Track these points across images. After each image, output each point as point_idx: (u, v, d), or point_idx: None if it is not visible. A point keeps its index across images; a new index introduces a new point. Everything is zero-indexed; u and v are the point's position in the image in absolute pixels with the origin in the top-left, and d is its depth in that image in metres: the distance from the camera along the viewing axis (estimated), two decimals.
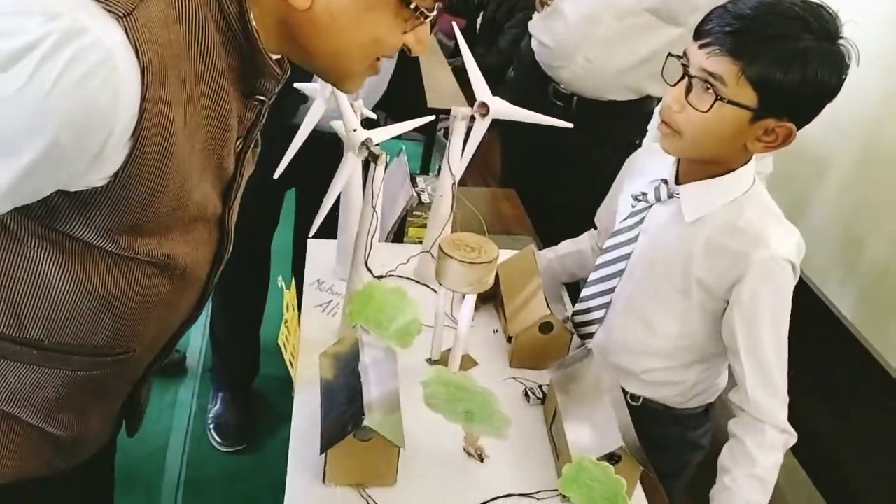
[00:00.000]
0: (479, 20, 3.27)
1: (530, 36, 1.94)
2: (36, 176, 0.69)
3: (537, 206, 1.91)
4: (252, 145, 0.93)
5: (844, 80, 1.01)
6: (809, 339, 1.39)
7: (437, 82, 2.62)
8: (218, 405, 2.19)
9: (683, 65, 1.07)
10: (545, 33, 1.87)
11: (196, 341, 2.44)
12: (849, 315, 1.98)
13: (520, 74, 2.05)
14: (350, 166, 1.16)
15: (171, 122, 0.74)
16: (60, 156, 0.68)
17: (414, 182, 1.61)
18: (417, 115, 1.32)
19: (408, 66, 1.81)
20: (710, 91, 1.03)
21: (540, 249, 1.70)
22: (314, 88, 1.25)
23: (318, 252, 1.52)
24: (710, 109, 1.04)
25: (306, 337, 1.30)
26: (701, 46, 1.04)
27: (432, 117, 1.27)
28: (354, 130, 1.13)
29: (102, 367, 0.92)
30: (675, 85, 1.08)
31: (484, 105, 1.32)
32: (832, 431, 1.54)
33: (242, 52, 0.78)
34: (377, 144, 1.14)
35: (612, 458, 1.03)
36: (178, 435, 2.16)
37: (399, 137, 1.28)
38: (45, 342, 0.86)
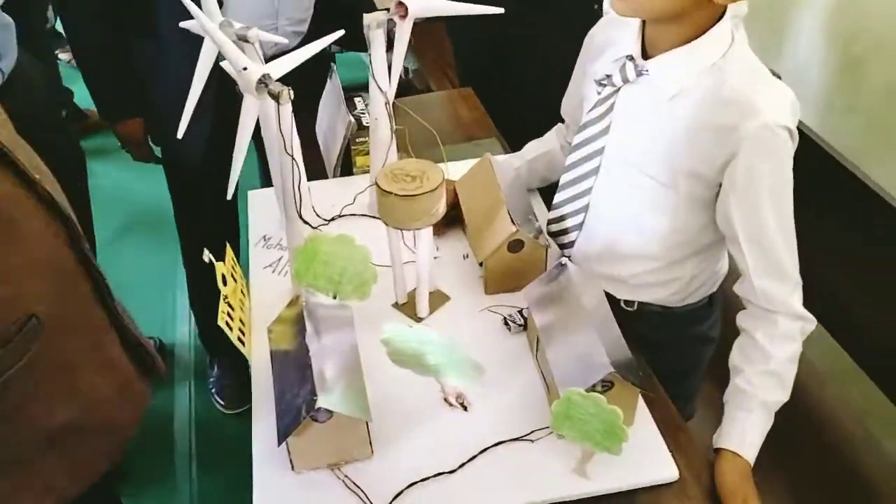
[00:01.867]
0: None
1: None
2: None
3: (498, 103, 1.73)
4: None
5: None
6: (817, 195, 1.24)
7: None
8: (216, 369, 2.12)
9: None
10: None
11: (183, 306, 2.35)
12: (854, 146, 1.82)
13: None
14: (252, 110, 0.99)
15: None
16: None
17: (352, 104, 1.44)
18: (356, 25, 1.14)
19: None
20: None
21: (506, 152, 1.54)
22: (204, 20, 1.06)
23: (261, 203, 1.38)
24: None
25: (258, 303, 1.18)
26: None
27: (340, 33, 1.08)
28: (245, 69, 0.95)
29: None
30: None
31: (401, 5, 1.13)
32: (847, 285, 1.40)
33: None
34: (278, 80, 0.97)
35: (604, 385, 0.91)
36: (181, 407, 2.11)
37: (331, 50, 1.09)
38: None
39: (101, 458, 0.97)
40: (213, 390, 2.10)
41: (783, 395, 0.96)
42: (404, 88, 2.28)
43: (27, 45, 1.49)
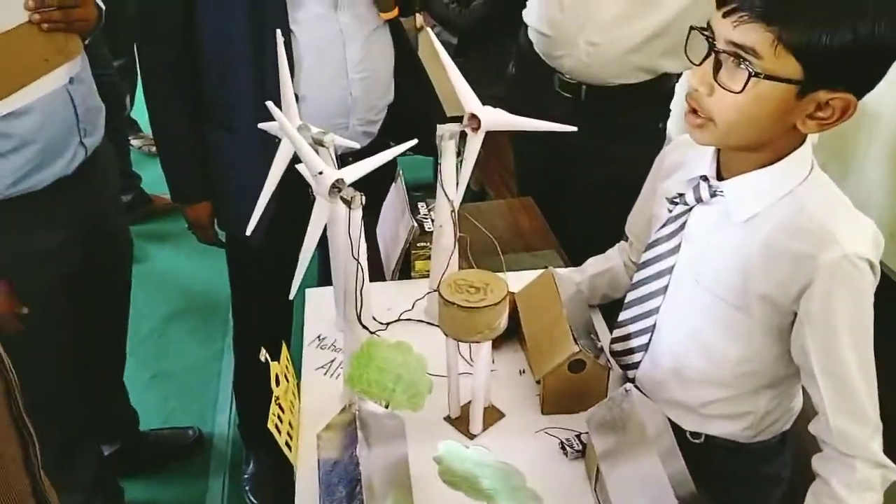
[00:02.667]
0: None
1: (526, 27, 1.76)
2: None
3: (558, 215, 1.73)
4: None
5: None
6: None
7: (449, 87, 2.43)
8: (252, 465, 2.07)
9: (708, 38, 0.88)
10: (542, 21, 1.69)
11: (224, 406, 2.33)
12: None
13: (521, 68, 1.87)
14: (322, 214, 1.00)
15: None
16: None
17: (415, 210, 1.45)
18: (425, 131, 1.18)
19: (406, 73, 1.64)
20: (743, 66, 0.85)
21: (567, 265, 1.52)
22: (284, 122, 1.09)
23: (318, 302, 1.37)
24: (744, 89, 0.85)
25: (308, 406, 1.15)
26: (726, 14, 0.85)
27: (414, 142, 1.10)
28: (321, 173, 0.97)
29: None
30: (700, 64, 0.90)
31: (474, 117, 1.15)
32: None
33: None
34: (350, 185, 0.98)
35: None
36: (213, 500, 2.05)
37: (404, 154, 1.11)
38: None
39: None
40: (248, 487, 2.04)
41: None
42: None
43: (105, 130, 1.56)
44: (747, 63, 0.85)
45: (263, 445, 2.05)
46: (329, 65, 1.47)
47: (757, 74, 0.84)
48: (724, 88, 0.87)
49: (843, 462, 0.91)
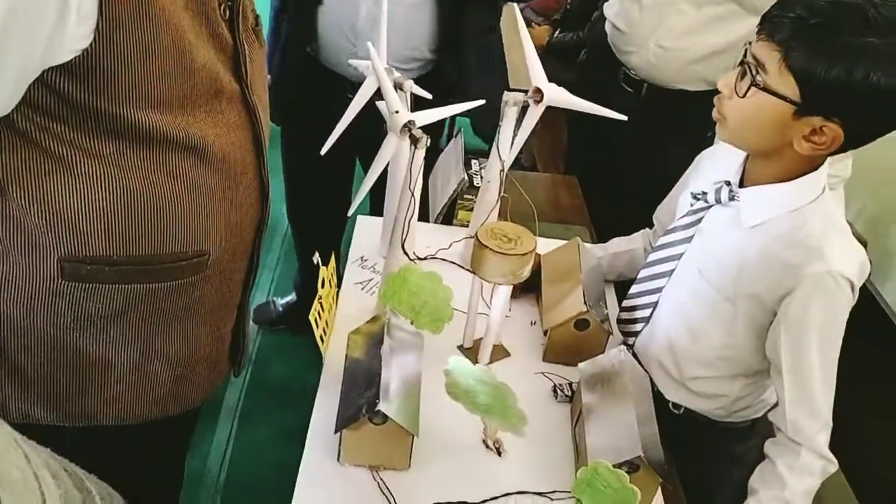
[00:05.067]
0: None
1: (604, 19, 1.87)
2: (11, 43, 0.68)
3: (600, 196, 1.85)
4: (247, 18, 0.93)
5: None
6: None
7: (519, 60, 2.56)
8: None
9: (745, 50, 1.01)
10: (619, 17, 1.80)
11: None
12: None
13: (591, 57, 1.99)
14: (392, 147, 1.15)
15: None
16: (25, 10, 0.68)
17: (469, 164, 1.59)
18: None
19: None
20: (750, 76, 0.98)
21: (594, 242, 1.65)
22: (366, 65, 1.24)
23: (366, 229, 1.52)
24: (745, 95, 0.99)
25: (342, 313, 1.31)
26: (757, 32, 0.99)
27: (480, 101, 1.24)
28: (397, 112, 1.11)
29: (183, 274, 0.95)
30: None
31: (538, 91, 1.28)
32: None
33: None
34: (420, 127, 1.13)
35: (631, 466, 0.99)
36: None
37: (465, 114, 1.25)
38: (115, 257, 0.89)
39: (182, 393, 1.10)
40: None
41: None
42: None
43: None
44: (755, 74, 0.97)
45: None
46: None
47: (757, 85, 0.97)
48: (735, 93, 1.00)
49: (791, 448, 1.05)
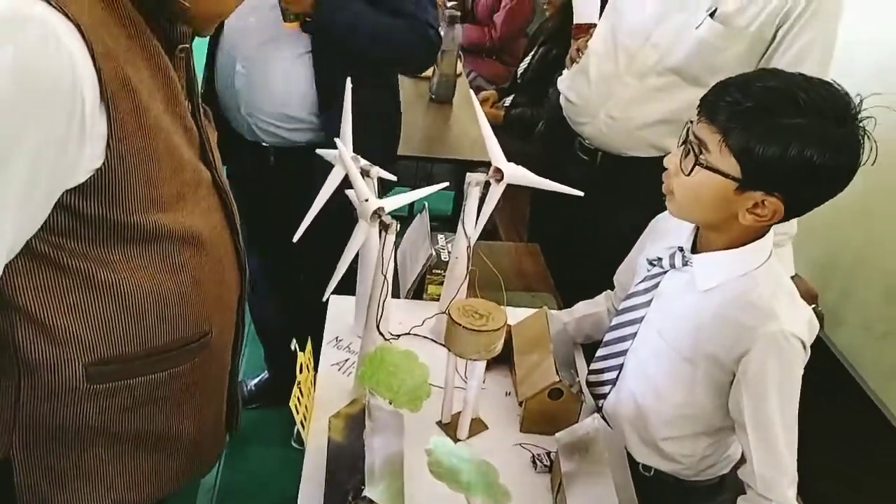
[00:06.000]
0: (520, 68, 3.30)
1: (558, 93, 1.97)
2: (41, 177, 0.75)
3: (563, 262, 1.91)
4: (200, 106, 1.00)
5: (854, 165, 0.99)
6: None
7: (469, 132, 2.65)
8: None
9: (687, 132, 1.08)
10: (571, 90, 1.89)
11: None
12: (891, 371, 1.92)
13: (549, 128, 2.08)
14: (362, 233, 1.19)
15: (129, 78, 0.80)
16: (51, 140, 0.74)
17: (435, 240, 1.64)
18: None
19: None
20: (693, 155, 1.06)
21: (560, 307, 1.71)
22: (334, 155, 1.29)
23: (339, 309, 1.55)
24: (690, 173, 1.06)
25: (320, 396, 1.33)
26: (697, 114, 1.06)
27: (445, 184, 1.30)
28: (366, 200, 1.16)
29: (194, 355, 1.03)
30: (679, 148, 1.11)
31: (498, 171, 1.35)
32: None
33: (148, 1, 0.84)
34: (388, 213, 1.17)
35: None
36: None
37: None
38: (139, 352, 0.97)
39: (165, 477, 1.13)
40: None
41: None
42: None
43: None
44: (698, 153, 1.05)
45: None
46: (227, 50, 1.73)
47: (701, 164, 1.04)
48: (681, 171, 1.07)
49: (762, 503, 1.09)
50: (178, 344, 1.01)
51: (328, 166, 1.29)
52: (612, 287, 1.49)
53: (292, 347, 1.19)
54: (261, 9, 1.67)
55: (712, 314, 1.13)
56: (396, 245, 1.74)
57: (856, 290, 2.16)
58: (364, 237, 1.19)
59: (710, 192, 1.06)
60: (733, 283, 1.12)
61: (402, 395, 1.23)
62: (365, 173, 1.29)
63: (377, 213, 1.16)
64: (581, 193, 1.33)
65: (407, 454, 1.14)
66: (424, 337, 1.49)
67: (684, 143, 1.08)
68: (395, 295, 1.63)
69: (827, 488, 1.47)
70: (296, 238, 1.27)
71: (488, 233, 3.03)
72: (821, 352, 1.66)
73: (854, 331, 2.14)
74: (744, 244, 1.11)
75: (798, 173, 0.99)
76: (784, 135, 0.98)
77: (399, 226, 1.17)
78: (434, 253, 1.57)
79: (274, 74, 1.72)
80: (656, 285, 1.24)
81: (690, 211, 1.13)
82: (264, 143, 1.79)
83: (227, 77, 1.77)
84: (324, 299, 1.22)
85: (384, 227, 1.16)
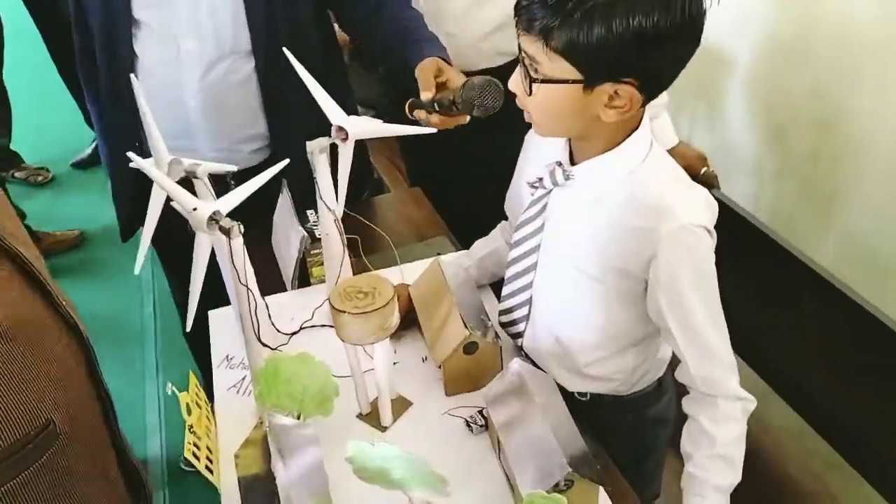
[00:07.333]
0: None
1: None
2: None
3: (446, 200, 1.80)
4: None
5: (686, 16, 0.87)
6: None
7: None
8: None
9: (519, 46, 0.96)
10: None
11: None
12: (786, 209, 1.92)
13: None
14: (206, 247, 1.04)
15: None
16: None
17: (305, 218, 1.49)
18: None
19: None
20: (531, 73, 0.95)
21: (457, 248, 1.60)
22: (146, 166, 1.11)
23: (221, 323, 1.40)
24: (532, 93, 0.96)
25: (224, 427, 1.19)
26: (516, 28, 0.95)
27: (284, 163, 1.13)
28: (195, 209, 1.00)
29: (43, 450, 0.92)
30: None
31: (341, 129, 1.20)
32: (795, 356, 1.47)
33: None
34: (227, 216, 1.02)
35: (566, 483, 0.94)
36: None
37: None
38: None
39: None
40: None
41: (734, 477, 1.01)
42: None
43: None
44: (530, 70, 0.93)
45: None
46: (165, 88, 1.48)
47: (536, 80, 0.93)
48: (526, 92, 0.96)
49: (708, 401, 1.03)
50: (18, 446, 0.88)
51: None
52: (505, 217, 1.39)
53: (168, 391, 1.04)
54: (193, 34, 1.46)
55: (608, 224, 1.03)
56: (267, 235, 1.59)
57: (739, 138, 2.14)
58: (208, 249, 1.04)
59: (561, 103, 0.95)
60: (621, 187, 1.03)
61: (309, 402, 1.11)
62: (192, 175, 1.12)
63: (213, 219, 1.01)
64: (433, 130, 1.20)
65: (334, 462, 1.03)
66: (321, 325, 1.36)
67: (521, 63, 0.96)
68: (282, 286, 1.49)
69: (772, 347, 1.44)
70: (137, 269, 1.11)
71: (377, 183, 2.89)
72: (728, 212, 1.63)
73: (749, 176, 2.13)
74: (620, 143, 1.01)
75: (634, 47, 0.88)
76: (603, 13, 0.86)
77: (243, 228, 1.02)
78: (305, 234, 1.42)
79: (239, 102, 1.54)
80: (544, 208, 1.13)
81: (553, 128, 1.02)
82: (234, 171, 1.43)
83: (170, 116, 1.48)
84: (186, 329, 1.07)
85: (226, 233, 1.01)
